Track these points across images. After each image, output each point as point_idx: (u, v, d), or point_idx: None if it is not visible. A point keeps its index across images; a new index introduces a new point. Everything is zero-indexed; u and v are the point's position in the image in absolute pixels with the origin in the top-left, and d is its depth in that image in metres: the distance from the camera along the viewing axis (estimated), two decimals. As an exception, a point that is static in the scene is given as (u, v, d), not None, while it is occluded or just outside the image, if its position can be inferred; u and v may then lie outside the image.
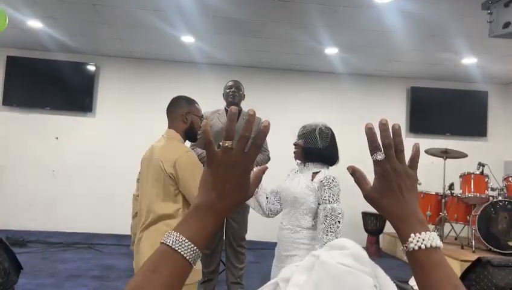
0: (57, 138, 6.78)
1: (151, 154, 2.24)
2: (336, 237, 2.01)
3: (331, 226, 2.04)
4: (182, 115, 2.28)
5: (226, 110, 3.81)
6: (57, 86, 6.72)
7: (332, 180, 2.16)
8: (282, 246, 2.23)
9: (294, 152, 2.35)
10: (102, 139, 6.78)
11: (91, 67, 6.84)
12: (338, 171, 7.58)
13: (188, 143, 2.43)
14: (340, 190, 2.15)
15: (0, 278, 2.90)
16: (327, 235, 2.03)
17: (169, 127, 2.32)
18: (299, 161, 2.35)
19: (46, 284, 3.98)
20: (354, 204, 6.83)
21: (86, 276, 4.34)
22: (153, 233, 2.12)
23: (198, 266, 2.21)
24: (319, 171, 2.23)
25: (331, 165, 2.26)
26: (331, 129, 2.30)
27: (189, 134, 2.33)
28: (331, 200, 2.09)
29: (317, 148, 2.23)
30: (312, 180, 2.22)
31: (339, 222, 2.04)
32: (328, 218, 2.06)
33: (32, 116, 6.76)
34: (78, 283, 4.09)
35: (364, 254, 0.75)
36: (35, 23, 5.48)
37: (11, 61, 6.70)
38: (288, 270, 0.78)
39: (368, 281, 0.70)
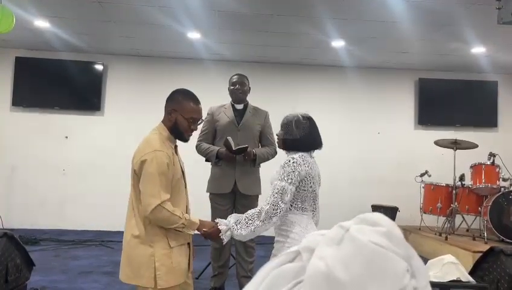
0: (67, 137, 6.83)
1: None
2: (267, 209, 2.11)
3: (269, 197, 2.14)
4: (169, 111, 2.19)
5: (232, 105, 3.80)
6: (65, 85, 6.76)
7: (289, 161, 2.20)
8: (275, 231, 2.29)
9: (277, 142, 2.44)
10: (111, 138, 6.82)
11: (99, 67, 6.88)
12: (342, 163, 7.43)
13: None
14: (296, 171, 2.17)
15: (13, 274, 2.94)
16: (265, 205, 2.14)
17: (162, 119, 2.24)
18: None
19: (58, 281, 4.02)
20: (363, 196, 6.83)
21: (97, 272, 4.38)
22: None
23: (180, 266, 2.13)
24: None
25: (312, 150, 2.33)
26: (309, 118, 2.36)
27: (174, 133, 2.19)
28: (279, 177, 2.17)
29: (296, 139, 2.30)
30: None
31: (273, 196, 2.13)
32: (271, 192, 2.16)
33: (41, 116, 6.82)
34: (90, 279, 4.13)
35: (399, 233, 0.68)
36: (42, 23, 5.52)
37: (19, 62, 6.75)
38: (312, 239, 0.71)
39: (401, 264, 0.64)
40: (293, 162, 2.18)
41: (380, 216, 0.71)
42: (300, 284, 0.70)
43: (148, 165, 2.05)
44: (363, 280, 0.65)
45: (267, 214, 2.10)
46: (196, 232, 2.19)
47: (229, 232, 2.14)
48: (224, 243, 2.19)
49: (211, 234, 2.18)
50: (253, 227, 2.10)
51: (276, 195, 2.12)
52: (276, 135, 2.44)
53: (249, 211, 2.17)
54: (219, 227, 2.15)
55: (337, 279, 0.65)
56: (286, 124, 2.33)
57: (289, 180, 2.14)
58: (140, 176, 2.08)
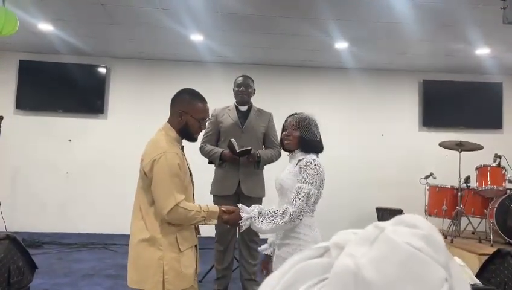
0: (70, 140, 6.83)
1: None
2: (294, 211, 2.06)
3: (295, 200, 2.09)
4: (179, 113, 2.15)
5: (236, 107, 3.79)
6: (68, 88, 6.77)
7: (310, 163, 2.16)
8: (278, 234, 2.24)
9: (288, 143, 2.31)
10: (115, 141, 6.82)
11: (102, 70, 6.89)
12: (346, 165, 7.38)
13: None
14: (318, 173, 2.15)
15: (15, 276, 2.92)
16: (291, 207, 2.09)
17: (168, 120, 2.21)
18: (289, 152, 2.37)
19: (61, 284, 4.01)
20: (367, 199, 6.79)
21: (100, 275, 4.36)
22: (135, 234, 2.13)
23: (188, 270, 2.09)
24: (303, 158, 2.23)
25: (320, 153, 2.31)
26: None
27: (184, 134, 2.17)
28: (302, 180, 2.13)
29: (315, 139, 2.27)
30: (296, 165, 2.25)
31: (300, 199, 2.09)
32: (293, 194, 2.12)
33: (45, 119, 6.83)
34: (93, 282, 4.11)
35: (440, 239, 0.63)
36: (45, 26, 5.53)
37: (23, 66, 6.77)
38: (344, 237, 0.67)
39: (439, 272, 0.59)
40: (315, 164, 2.15)
41: (419, 218, 0.65)
42: (324, 282, 0.65)
43: (160, 167, 2.01)
44: (394, 283, 0.59)
45: (291, 216, 2.06)
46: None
47: (248, 221, 2.07)
48: (241, 230, 2.16)
49: (229, 220, 2.13)
50: (274, 225, 2.06)
51: (302, 198, 2.08)
52: (286, 134, 2.33)
53: (273, 208, 2.13)
54: (240, 214, 2.09)
55: (366, 279, 0.59)
56: (305, 124, 2.26)
57: (313, 183, 2.12)
58: (152, 178, 2.03)
